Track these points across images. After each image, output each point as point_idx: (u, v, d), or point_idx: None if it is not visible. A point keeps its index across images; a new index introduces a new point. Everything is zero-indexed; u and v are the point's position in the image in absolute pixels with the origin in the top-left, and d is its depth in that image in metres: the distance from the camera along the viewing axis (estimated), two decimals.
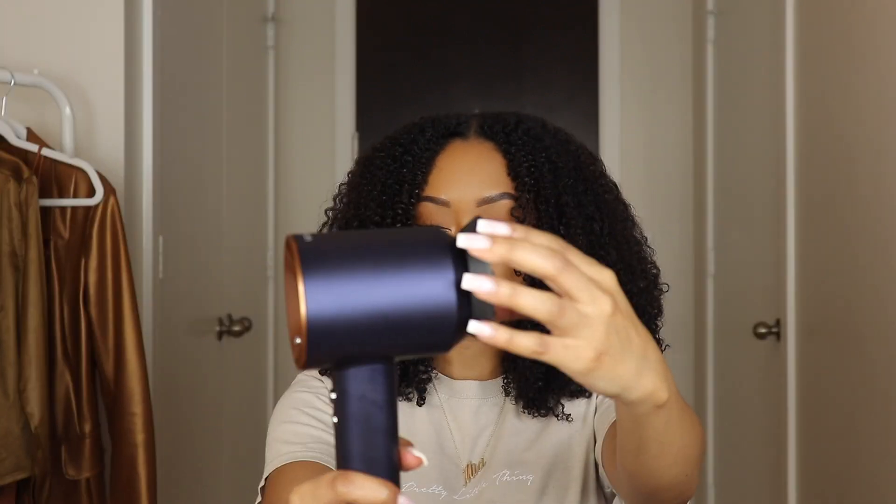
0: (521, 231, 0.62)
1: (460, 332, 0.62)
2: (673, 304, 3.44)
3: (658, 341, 1.17)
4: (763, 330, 2.34)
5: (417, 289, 0.60)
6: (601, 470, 1.07)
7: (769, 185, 2.38)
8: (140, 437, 1.77)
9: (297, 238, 0.61)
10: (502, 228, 0.61)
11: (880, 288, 1.76)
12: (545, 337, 0.61)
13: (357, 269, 0.60)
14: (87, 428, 1.76)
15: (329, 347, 0.60)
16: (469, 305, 0.62)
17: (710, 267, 2.97)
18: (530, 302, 0.60)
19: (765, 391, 2.44)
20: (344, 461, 0.64)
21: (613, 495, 1.11)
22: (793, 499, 2.23)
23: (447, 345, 0.63)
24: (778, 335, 2.31)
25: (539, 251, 0.60)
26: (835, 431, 2.01)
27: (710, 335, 2.98)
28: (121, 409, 1.77)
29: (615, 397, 0.66)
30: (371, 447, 0.63)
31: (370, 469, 0.63)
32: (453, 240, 0.63)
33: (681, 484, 0.83)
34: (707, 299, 2.99)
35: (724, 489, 2.89)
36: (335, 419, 0.64)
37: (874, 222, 1.79)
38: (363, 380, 0.63)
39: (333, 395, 0.64)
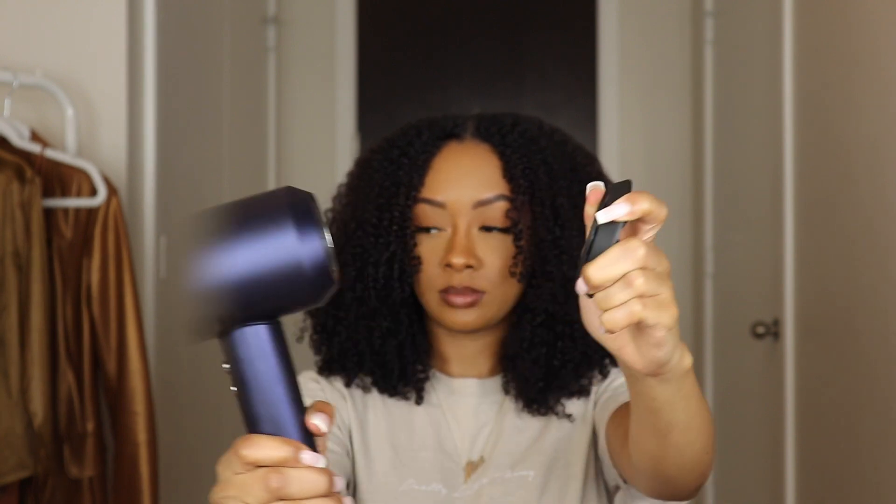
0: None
1: (322, 282, 0.64)
2: None
3: None
4: (761, 330, 2.35)
5: (261, 250, 0.63)
6: (606, 463, 1.07)
7: (767, 185, 2.39)
8: (142, 436, 1.78)
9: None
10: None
11: (878, 287, 1.77)
12: (638, 299, 0.65)
13: (207, 241, 0.64)
14: (90, 427, 1.77)
15: (200, 315, 0.64)
16: (325, 254, 0.64)
17: (709, 267, 2.98)
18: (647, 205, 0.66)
19: (763, 391, 2.45)
20: (249, 426, 0.66)
21: (617, 489, 1.11)
22: (791, 497, 2.24)
23: (314, 297, 0.65)
24: (776, 335, 2.32)
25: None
26: (833, 430, 2.02)
27: (709, 335, 2.99)
28: (123, 408, 1.78)
29: (661, 368, 0.70)
30: (271, 409, 0.65)
31: (275, 430, 0.65)
32: (295, 197, 0.65)
33: (702, 463, 0.84)
34: (705, 299, 3.00)
35: (724, 488, 2.90)
36: (234, 388, 0.66)
37: (872, 222, 1.80)
38: (246, 343, 0.66)
39: (226, 366, 0.66)
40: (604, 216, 0.65)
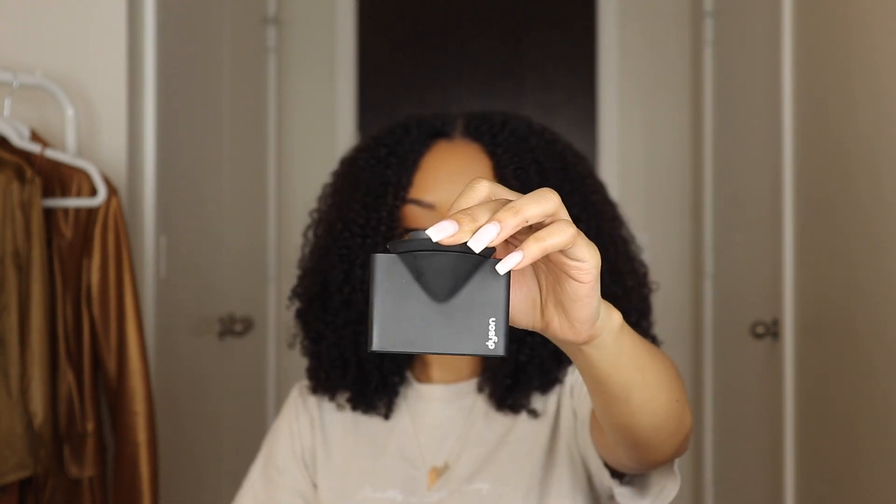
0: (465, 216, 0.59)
1: None
2: (671, 303, 3.42)
3: (652, 339, 1.17)
4: (761, 330, 2.35)
5: None
6: (592, 458, 1.05)
7: (767, 186, 2.39)
8: (142, 436, 1.78)
9: None
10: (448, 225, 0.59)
11: (878, 287, 1.77)
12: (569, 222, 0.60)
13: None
14: (90, 427, 1.77)
15: None
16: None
17: (709, 267, 2.98)
18: (534, 207, 0.59)
19: (762, 391, 2.45)
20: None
21: (611, 498, 1.10)
22: (791, 498, 2.24)
23: None
24: (776, 335, 2.32)
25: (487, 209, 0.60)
26: (833, 431, 2.02)
27: (708, 335, 2.99)
28: (123, 408, 1.78)
29: (592, 328, 0.65)
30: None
31: None
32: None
33: (676, 413, 0.80)
34: (705, 299, 3.00)
35: (724, 488, 2.90)
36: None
37: (871, 222, 1.80)
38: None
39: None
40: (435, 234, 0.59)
